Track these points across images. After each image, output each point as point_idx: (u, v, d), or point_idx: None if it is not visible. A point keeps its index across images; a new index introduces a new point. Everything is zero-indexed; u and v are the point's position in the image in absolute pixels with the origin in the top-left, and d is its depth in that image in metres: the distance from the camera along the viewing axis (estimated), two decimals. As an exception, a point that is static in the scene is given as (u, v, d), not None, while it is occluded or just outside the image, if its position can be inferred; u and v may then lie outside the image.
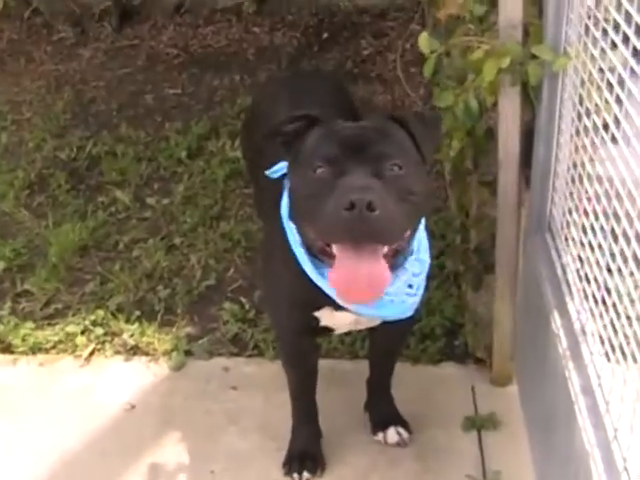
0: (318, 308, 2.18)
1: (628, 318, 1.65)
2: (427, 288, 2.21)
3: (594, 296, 1.89)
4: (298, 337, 2.34)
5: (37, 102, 4.59)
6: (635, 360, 1.60)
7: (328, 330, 2.29)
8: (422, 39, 2.23)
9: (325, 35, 5.15)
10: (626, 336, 1.67)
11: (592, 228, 1.91)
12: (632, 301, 1.63)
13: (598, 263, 1.86)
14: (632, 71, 1.59)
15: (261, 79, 4.74)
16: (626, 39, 1.61)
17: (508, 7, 2.13)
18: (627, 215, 1.64)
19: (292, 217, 2.02)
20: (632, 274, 1.62)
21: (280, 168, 2.16)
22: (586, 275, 1.95)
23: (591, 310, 1.92)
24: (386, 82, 4.62)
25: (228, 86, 4.71)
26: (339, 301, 2.04)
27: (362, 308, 2.07)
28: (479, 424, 2.59)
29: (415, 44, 4.56)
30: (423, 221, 2.10)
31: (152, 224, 3.59)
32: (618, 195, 1.72)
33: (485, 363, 2.79)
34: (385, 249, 1.89)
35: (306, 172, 1.91)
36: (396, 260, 1.98)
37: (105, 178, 3.89)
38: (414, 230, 2.01)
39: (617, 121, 1.70)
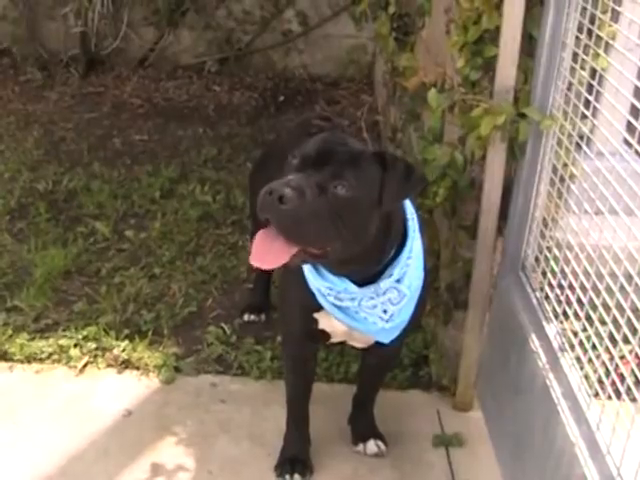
0: (317, 310, 2.45)
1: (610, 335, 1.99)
2: (414, 322, 2.51)
3: (576, 314, 2.23)
4: (301, 338, 2.58)
5: (8, 137, 4.80)
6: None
7: (325, 336, 2.54)
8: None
9: (281, 98, 5.53)
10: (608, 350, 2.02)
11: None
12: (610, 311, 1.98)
13: (582, 286, 2.21)
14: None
15: (223, 134, 5.06)
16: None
17: (503, 74, 2.52)
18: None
19: None
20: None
21: None
22: (567, 297, 2.30)
23: (571, 329, 2.27)
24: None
25: (192, 136, 5.03)
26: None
27: (340, 316, 2.38)
28: (447, 441, 2.89)
29: (369, 112, 4.99)
30: (419, 257, 2.36)
31: (131, 255, 3.81)
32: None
33: (448, 391, 3.10)
34: (295, 249, 2.06)
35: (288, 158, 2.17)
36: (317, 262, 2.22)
37: (83, 210, 4.11)
38: (345, 248, 2.14)
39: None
